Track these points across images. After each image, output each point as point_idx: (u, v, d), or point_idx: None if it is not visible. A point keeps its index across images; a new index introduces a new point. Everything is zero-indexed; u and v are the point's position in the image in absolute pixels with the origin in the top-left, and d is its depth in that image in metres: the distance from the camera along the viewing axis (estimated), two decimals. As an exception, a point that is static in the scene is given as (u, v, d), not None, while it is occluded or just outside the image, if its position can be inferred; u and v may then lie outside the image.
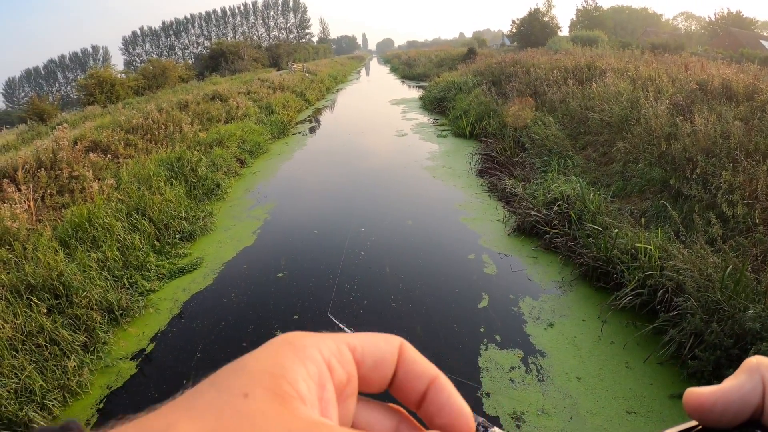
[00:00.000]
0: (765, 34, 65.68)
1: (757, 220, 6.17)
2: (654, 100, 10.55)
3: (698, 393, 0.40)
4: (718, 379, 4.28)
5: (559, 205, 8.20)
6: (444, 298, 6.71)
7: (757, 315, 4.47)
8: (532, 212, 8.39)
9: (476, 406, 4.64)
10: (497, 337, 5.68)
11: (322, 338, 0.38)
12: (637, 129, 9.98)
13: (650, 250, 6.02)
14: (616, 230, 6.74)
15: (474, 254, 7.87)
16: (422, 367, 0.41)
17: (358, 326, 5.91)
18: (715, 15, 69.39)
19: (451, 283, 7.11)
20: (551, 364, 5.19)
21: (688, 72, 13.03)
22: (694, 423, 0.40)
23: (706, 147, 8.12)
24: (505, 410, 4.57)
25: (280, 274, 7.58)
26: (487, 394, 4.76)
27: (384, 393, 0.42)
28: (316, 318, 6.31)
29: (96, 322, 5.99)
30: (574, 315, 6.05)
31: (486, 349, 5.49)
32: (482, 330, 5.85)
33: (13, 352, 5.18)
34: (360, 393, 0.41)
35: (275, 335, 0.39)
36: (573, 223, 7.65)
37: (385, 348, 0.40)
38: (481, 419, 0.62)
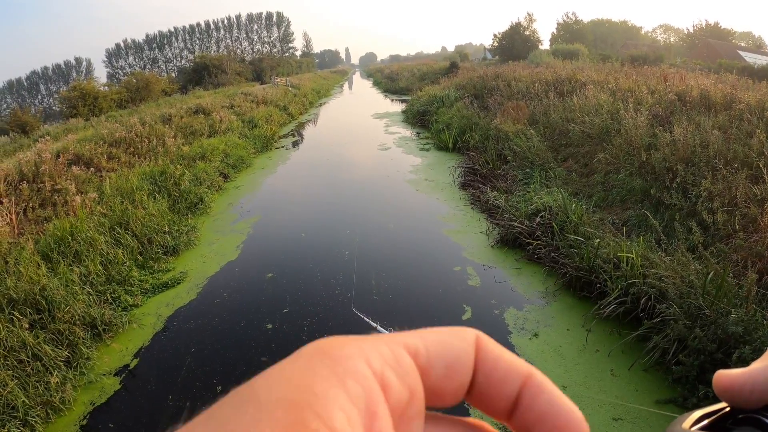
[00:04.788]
0: (742, 44, 66.73)
1: (737, 227, 6.26)
2: (634, 111, 10.68)
3: (728, 374, 0.41)
4: (703, 383, 4.33)
5: (541, 217, 8.26)
6: (429, 310, 6.72)
7: (739, 319, 4.53)
8: (515, 224, 8.44)
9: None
10: (483, 348, 5.68)
11: (372, 343, 0.29)
12: (617, 140, 10.09)
13: (632, 258, 6.08)
14: (598, 240, 6.80)
15: (458, 266, 7.89)
16: (510, 364, 0.32)
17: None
18: (693, 27, 70.33)
19: (435, 295, 7.14)
20: (537, 373, 5.20)
21: (667, 83, 13.21)
22: (722, 405, 0.42)
23: (685, 156, 8.24)
24: (492, 420, 4.55)
25: (268, 279, 7.58)
26: (474, 404, 4.76)
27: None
28: (304, 327, 6.30)
29: (79, 338, 5.92)
30: (559, 325, 6.09)
31: (472, 360, 5.49)
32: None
33: (-6, 368, 5.10)
34: (427, 408, 0.31)
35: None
36: (555, 234, 7.71)
37: (459, 346, 0.31)
38: None
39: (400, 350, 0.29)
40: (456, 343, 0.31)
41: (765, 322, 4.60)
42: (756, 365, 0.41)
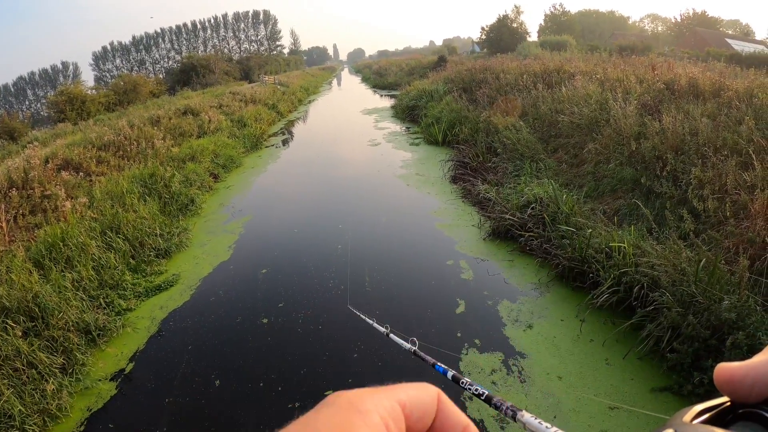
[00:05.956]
0: (730, 32, 67.03)
1: (728, 213, 6.28)
2: (623, 101, 10.71)
3: (728, 367, 0.41)
4: (697, 370, 4.35)
5: (532, 208, 8.28)
6: (422, 304, 6.73)
7: (732, 305, 4.56)
8: (507, 216, 8.46)
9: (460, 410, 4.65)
10: (477, 341, 5.71)
11: (378, 398, 0.40)
12: (606, 130, 10.13)
13: (624, 248, 6.10)
14: (590, 230, 6.83)
15: (451, 260, 7.90)
16: (456, 416, 0.45)
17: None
18: (680, 16, 70.50)
19: (428, 289, 7.14)
20: (532, 364, 5.23)
21: (656, 72, 13.24)
22: (723, 399, 0.42)
23: (675, 145, 8.27)
24: (489, 413, 4.58)
25: (262, 275, 7.57)
26: (470, 398, 4.77)
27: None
28: (299, 319, 6.29)
29: (73, 344, 5.88)
30: (553, 315, 6.11)
31: (467, 353, 5.51)
32: (460, 335, 5.88)
33: (-11, 377, 5.06)
34: None
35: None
36: (547, 226, 7.73)
37: (428, 401, 0.44)
38: (508, 404, 0.66)
39: (395, 403, 0.40)
40: (425, 398, 0.43)
41: (758, 307, 4.63)
42: (757, 359, 0.41)
